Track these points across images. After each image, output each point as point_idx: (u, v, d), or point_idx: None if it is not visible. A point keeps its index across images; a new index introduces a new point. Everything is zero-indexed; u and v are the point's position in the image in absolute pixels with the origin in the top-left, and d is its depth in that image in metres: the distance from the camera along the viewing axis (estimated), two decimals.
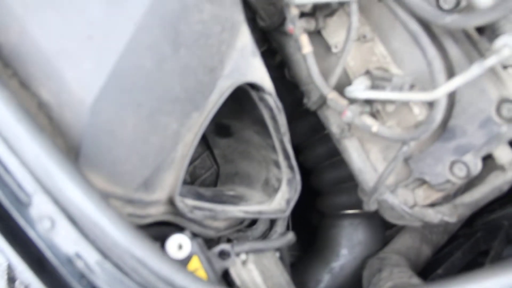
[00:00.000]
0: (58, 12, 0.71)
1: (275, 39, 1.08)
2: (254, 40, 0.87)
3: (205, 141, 1.13)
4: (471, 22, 0.80)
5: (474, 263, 1.07)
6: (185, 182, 1.10)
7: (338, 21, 1.00)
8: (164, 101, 0.74)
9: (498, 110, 0.84)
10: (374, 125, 0.84)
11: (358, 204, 1.24)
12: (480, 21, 0.80)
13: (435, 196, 0.93)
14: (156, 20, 0.71)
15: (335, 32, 1.00)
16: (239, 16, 0.81)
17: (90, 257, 0.60)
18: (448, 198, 0.93)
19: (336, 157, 1.21)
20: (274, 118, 0.87)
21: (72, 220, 0.59)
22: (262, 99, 0.86)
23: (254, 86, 0.85)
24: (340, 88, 0.93)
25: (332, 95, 0.90)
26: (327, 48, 1.01)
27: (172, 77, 0.74)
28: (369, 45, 0.98)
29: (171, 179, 0.79)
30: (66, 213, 0.59)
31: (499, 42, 0.79)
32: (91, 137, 0.69)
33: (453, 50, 0.87)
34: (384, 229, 1.24)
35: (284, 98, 0.94)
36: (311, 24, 0.98)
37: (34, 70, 0.70)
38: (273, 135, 0.90)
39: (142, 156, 0.75)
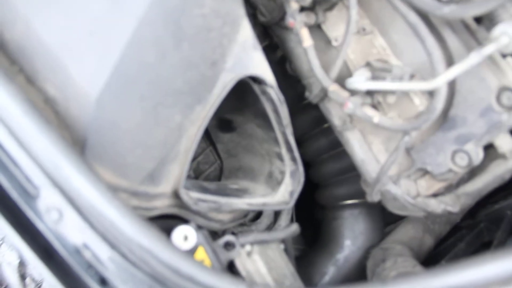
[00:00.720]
0: (61, 8, 0.72)
1: (275, 34, 1.09)
2: (255, 35, 0.88)
3: (208, 137, 1.14)
4: (469, 12, 0.81)
5: (478, 254, 1.07)
6: (189, 177, 1.11)
7: (337, 15, 1.01)
8: (167, 94, 0.75)
9: (498, 98, 0.85)
10: (376, 116, 0.85)
11: (356, 195, 1.26)
12: (477, 10, 0.81)
13: (438, 186, 0.93)
14: (158, 14, 0.72)
15: (335, 26, 1.01)
16: (240, 10, 0.82)
17: (98, 247, 0.61)
18: (450, 188, 0.94)
19: (335, 150, 1.22)
20: (276, 111, 0.88)
21: (80, 211, 0.60)
22: (264, 92, 0.87)
23: (256, 79, 0.86)
24: (341, 81, 0.94)
25: (333, 87, 0.91)
26: (327, 41, 1.02)
27: (175, 71, 0.75)
28: (369, 38, 0.99)
29: (175, 172, 0.80)
30: (74, 204, 0.60)
31: (497, 30, 0.80)
32: (96, 130, 0.70)
33: (452, 40, 0.88)
34: (382, 218, 1.25)
35: (286, 93, 0.95)
36: (311, 18, 0.99)
37: (40, 66, 0.71)
38: (276, 127, 0.90)
39: (147, 149, 0.76)
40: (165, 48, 0.73)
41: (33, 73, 0.71)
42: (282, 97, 0.89)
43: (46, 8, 0.72)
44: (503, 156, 0.87)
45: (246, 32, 0.85)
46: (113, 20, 0.71)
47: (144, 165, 0.76)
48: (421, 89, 0.85)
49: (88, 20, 0.71)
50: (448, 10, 0.82)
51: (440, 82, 0.78)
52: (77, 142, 0.70)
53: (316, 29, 1.03)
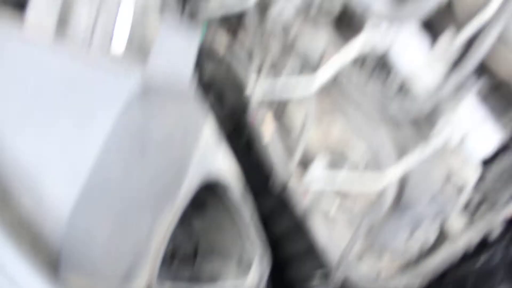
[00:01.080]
0: (33, 126, 0.78)
1: (240, 123, 1.15)
2: (219, 128, 0.94)
3: (182, 217, 1.19)
4: (413, 108, 0.89)
5: None
6: (164, 260, 1.16)
7: (298, 101, 1.08)
8: (136, 203, 0.81)
9: (446, 184, 0.92)
10: (332, 210, 0.91)
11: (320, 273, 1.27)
12: (420, 107, 0.88)
13: (398, 263, 0.99)
14: (122, 133, 0.78)
15: (297, 113, 1.07)
16: (202, 118, 0.89)
17: None
18: (410, 265, 0.99)
19: (300, 230, 1.25)
20: (239, 208, 0.94)
21: None
22: (226, 196, 0.93)
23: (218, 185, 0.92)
24: (305, 162, 1.00)
25: (293, 182, 0.97)
26: (291, 126, 1.08)
27: (142, 182, 0.81)
28: (329, 120, 1.05)
29: (148, 269, 0.85)
30: None
31: (440, 124, 0.87)
32: (70, 243, 0.75)
33: (403, 131, 0.95)
34: None
35: (252, 173, 1.00)
36: (273, 106, 1.05)
37: (13, 184, 0.77)
38: (241, 217, 0.96)
39: (119, 254, 0.81)
40: (131, 163, 0.79)
41: (6, 192, 0.76)
42: (246, 194, 0.95)
43: (19, 125, 0.78)
44: (452, 237, 0.93)
45: (208, 132, 0.92)
46: (80, 141, 0.77)
47: (117, 268, 0.82)
48: (370, 187, 0.91)
49: (57, 141, 0.77)
50: (394, 109, 0.90)
51: (386, 181, 0.85)
52: (53, 256, 0.75)
53: (280, 112, 1.09)
